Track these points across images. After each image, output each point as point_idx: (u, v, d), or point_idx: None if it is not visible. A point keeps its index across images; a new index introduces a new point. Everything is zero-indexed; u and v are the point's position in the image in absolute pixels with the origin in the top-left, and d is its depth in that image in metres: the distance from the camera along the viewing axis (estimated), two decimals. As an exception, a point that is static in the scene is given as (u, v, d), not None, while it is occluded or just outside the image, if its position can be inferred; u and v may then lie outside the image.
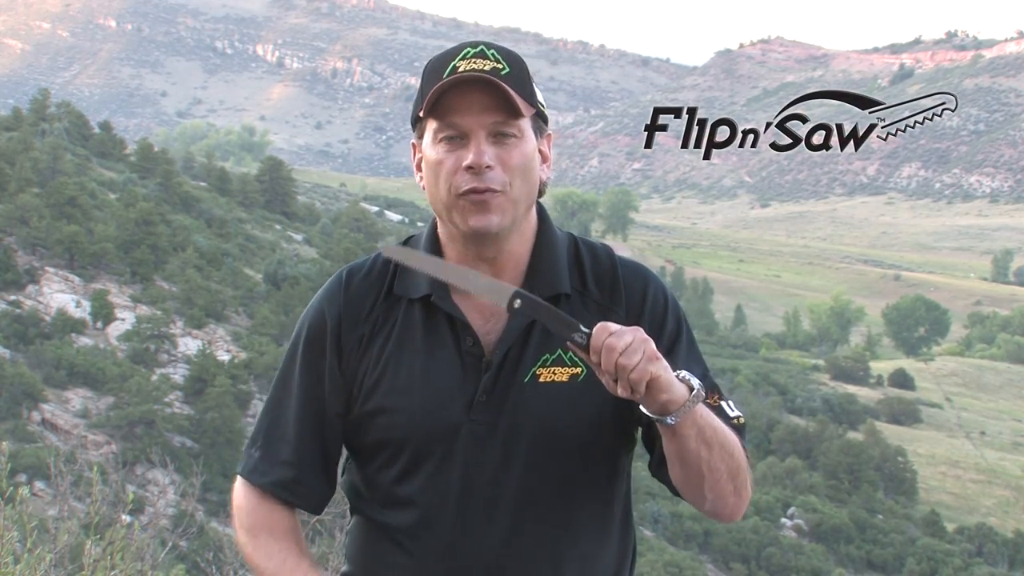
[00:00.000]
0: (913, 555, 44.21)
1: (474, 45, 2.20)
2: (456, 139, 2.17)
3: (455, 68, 2.17)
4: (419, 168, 2.27)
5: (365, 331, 2.26)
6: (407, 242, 2.34)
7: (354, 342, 2.26)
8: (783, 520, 46.38)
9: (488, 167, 2.16)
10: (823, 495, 49.71)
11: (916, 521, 49.73)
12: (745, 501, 2.20)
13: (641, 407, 2.07)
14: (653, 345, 2.01)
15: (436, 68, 2.19)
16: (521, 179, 2.19)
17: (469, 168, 2.16)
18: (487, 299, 2.10)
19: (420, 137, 2.24)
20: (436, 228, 2.29)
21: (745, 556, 42.19)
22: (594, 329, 2.02)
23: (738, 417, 2.21)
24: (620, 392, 2.02)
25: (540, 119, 2.24)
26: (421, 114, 2.21)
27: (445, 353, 2.22)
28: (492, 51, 2.19)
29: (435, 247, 2.28)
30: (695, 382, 2.07)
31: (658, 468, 2.25)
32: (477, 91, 2.15)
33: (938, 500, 55.91)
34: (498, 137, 2.17)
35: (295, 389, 2.29)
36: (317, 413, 2.28)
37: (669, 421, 2.05)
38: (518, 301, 2.04)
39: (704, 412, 2.09)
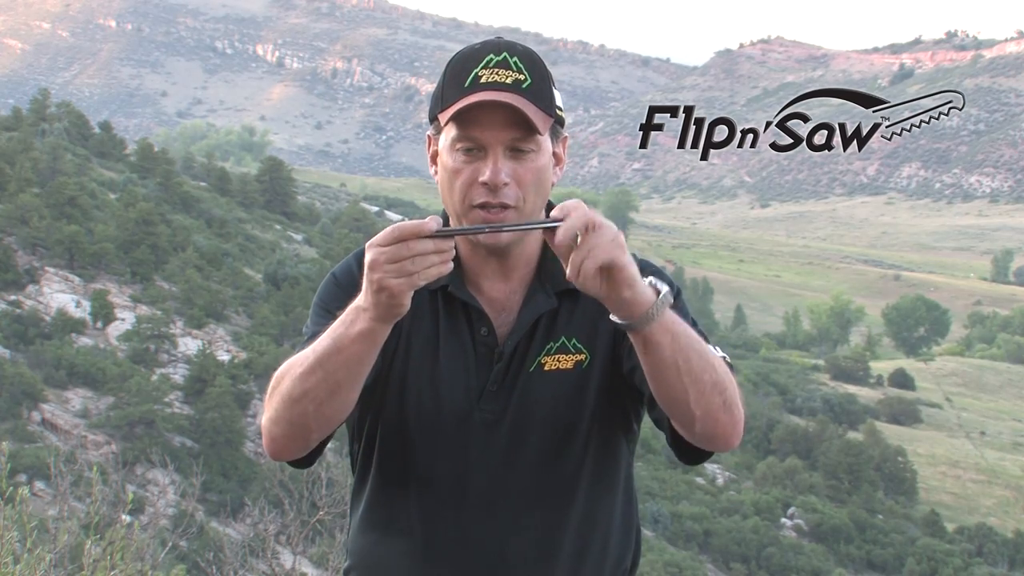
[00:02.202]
0: (913, 555, 44.20)
1: (497, 51, 2.20)
2: (474, 151, 2.18)
3: (477, 77, 2.17)
4: (434, 161, 2.28)
5: None
6: None
7: None
8: (783, 520, 46.38)
9: (504, 184, 2.17)
10: (823, 495, 49.70)
11: (916, 521, 49.72)
12: (738, 422, 2.18)
13: (612, 317, 2.05)
14: (623, 239, 2.01)
15: (458, 72, 2.19)
16: (534, 193, 2.21)
17: (484, 184, 2.17)
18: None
19: (437, 132, 2.25)
20: (448, 220, 2.31)
21: (745, 556, 42.18)
22: (577, 217, 2.00)
23: (724, 357, 2.22)
24: (582, 277, 1.99)
25: (557, 123, 2.24)
26: (441, 118, 2.21)
27: (459, 341, 2.25)
28: (515, 59, 2.19)
29: None
30: (662, 287, 2.06)
31: (652, 408, 2.23)
32: (498, 106, 2.16)
33: (938, 500, 55.90)
34: (515, 152, 2.18)
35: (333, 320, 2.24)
36: None
37: (637, 326, 2.03)
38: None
39: (677, 319, 2.07)
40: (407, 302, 1.99)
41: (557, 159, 2.27)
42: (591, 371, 2.24)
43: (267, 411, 2.15)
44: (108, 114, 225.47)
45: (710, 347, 2.18)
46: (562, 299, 2.28)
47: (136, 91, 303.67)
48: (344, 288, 2.28)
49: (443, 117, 2.19)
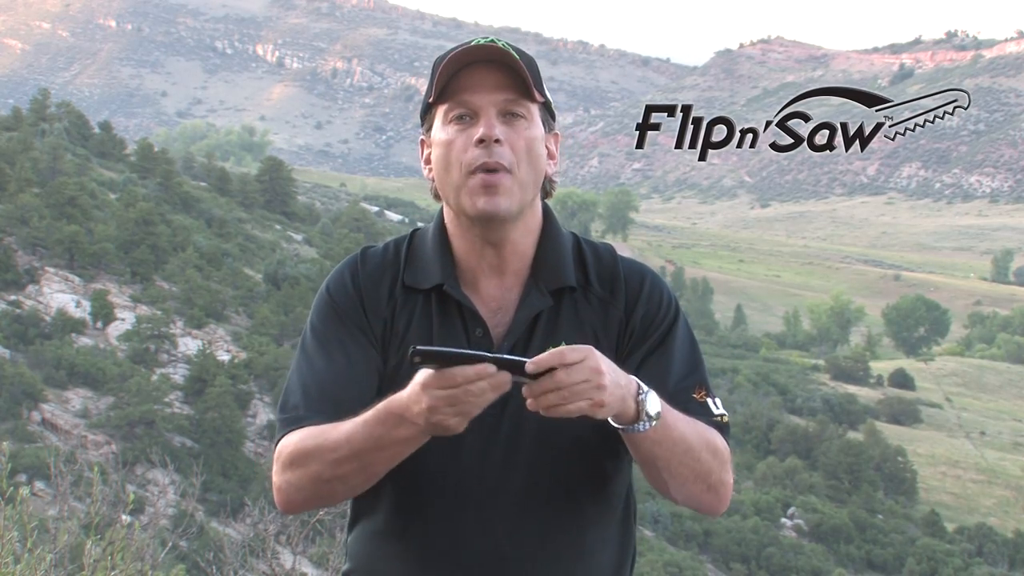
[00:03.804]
0: (913, 555, 44.19)
1: (484, 38, 2.23)
2: (467, 118, 2.20)
3: (467, 52, 2.20)
4: (427, 162, 2.29)
5: (387, 316, 2.28)
6: (413, 235, 2.36)
7: (379, 327, 2.27)
8: (783, 520, 46.37)
9: (497, 141, 2.18)
10: (823, 495, 49.70)
11: (916, 521, 49.71)
12: (723, 498, 2.22)
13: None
14: (602, 384, 1.99)
15: (446, 61, 2.22)
16: (527, 162, 2.22)
17: (480, 142, 2.18)
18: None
19: (429, 130, 2.27)
20: (443, 218, 2.31)
21: (745, 556, 42.17)
22: (549, 354, 1.99)
23: (722, 415, 2.24)
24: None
25: (548, 114, 2.27)
26: (431, 100, 2.23)
27: (454, 344, 2.23)
28: (502, 43, 2.21)
29: (442, 236, 2.30)
30: (652, 409, 2.08)
31: None
32: (488, 70, 2.19)
33: (938, 500, 55.89)
34: (508, 117, 2.20)
35: (333, 351, 2.25)
36: (362, 373, 2.25)
37: (628, 428, 2.10)
38: (416, 358, 1.98)
39: (664, 427, 2.10)
40: (462, 428, 2.03)
41: (550, 153, 2.28)
42: None
43: (286, 476, 2.17)
44: (108, 114, 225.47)
45: (710, 409, 2.22)
46: (561, 298, 2.27)
47: (136, 91, 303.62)
48: (340, 310, 2.28)
49: (432, 97, 2.22)
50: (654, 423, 2.07)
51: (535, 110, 2.23)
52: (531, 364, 1.97)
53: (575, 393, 1.98)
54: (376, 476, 2.14)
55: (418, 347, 1.97)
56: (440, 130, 2.23)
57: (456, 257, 2.28)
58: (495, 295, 2.27)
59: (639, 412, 2.07)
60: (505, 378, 1.97)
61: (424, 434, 2.05)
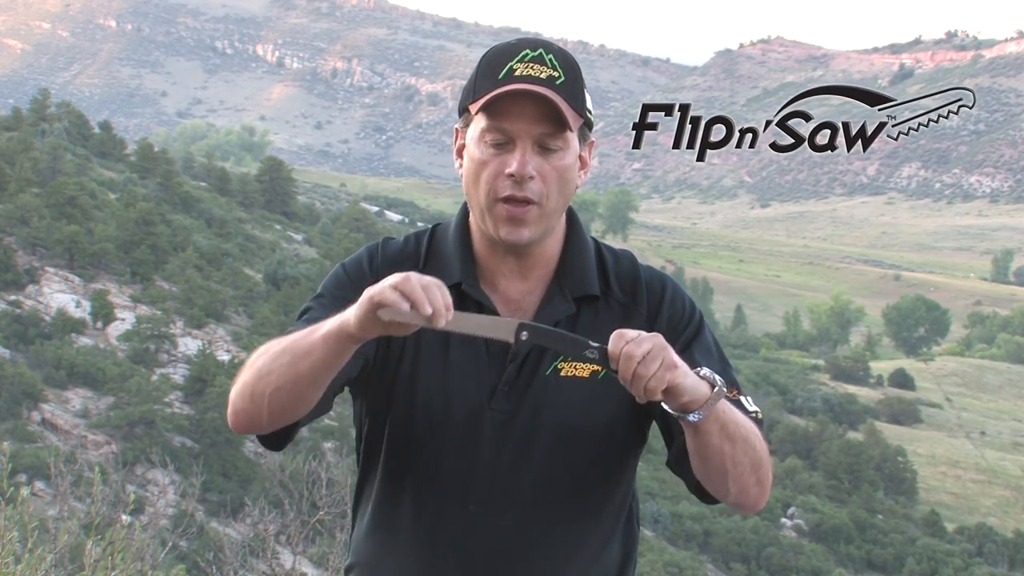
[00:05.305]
0: (913, 555, 44.19)
1: (533, 47, 2.20)
2: (502, 143, 2.19)
3: (512, 70, 2.18)
4: (459, 155, 2.28)
5: None
6: (435, 230, 2.36)
7: None
8: (783, 520, 46.36)
9: (530, 177, 2.18)
10: (823, 495, 49.70)
11: (916, 521, 49.71)
12: (766, 491, 2.23)
13: (664, 405, 2.09)
14: (672, 353, 2.03)
15: (493, 65, 2.20)
16: (558, 192, 2.21)
17: (511, 176, 2.17)
18: (495, 336, 2.07)
19: (466, 126, 2.25)
20: (467, 216, 2.31)
21: (745, 556, 42.17)
22: (611, 337, 2.03)
23: (756, 412, 2.24)
24: (638, 397, 2.04)
25: (586, 126, 2.25)
26: (471, 108, 2.21)
27: (471, 341, 2.23)
28: (550, 56, 2.19)
29: (465, 235, 2.30)
30: (717, 379, 2.09)
31: (678, 464, 2.27)
32: (530, 99, 2.16)
33: (938, 500, 55.89)
34: (543, 148, 2.19)
35: (333, 312, 2.21)
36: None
37: (691, 418, 2.07)
38: (524, 333, 2.04)
39: (726, 408, 2.11)
40: (376, 326, 1.97)
41: (582, 162, 2.27)
42: (607, 382, 2.21)
43: (236, 382, 2.21)
44: (108, 114, 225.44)
45: (744, 406, 2.22)
46: (581, 305, 2.28)
47: (136, 91, 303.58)
48: (352, 278, 2.28)
49: (474, 107, 2.20)
50: (724, 392, 2.08)
51: (573, 133, 2.21)
52: (610, 350, 2.02)
53: (649, 359, 2.00)
54: (299, 384, 2.08)
55: (525, 322, 2.04)
56: (475, 144, 2.21)
57: (477, 256, 2.28)
58: (515, 296, 2.28)
59: (710, 383, 2.07)
60: (441, 300, 1.98)
61: (348, 326, 1.99)
